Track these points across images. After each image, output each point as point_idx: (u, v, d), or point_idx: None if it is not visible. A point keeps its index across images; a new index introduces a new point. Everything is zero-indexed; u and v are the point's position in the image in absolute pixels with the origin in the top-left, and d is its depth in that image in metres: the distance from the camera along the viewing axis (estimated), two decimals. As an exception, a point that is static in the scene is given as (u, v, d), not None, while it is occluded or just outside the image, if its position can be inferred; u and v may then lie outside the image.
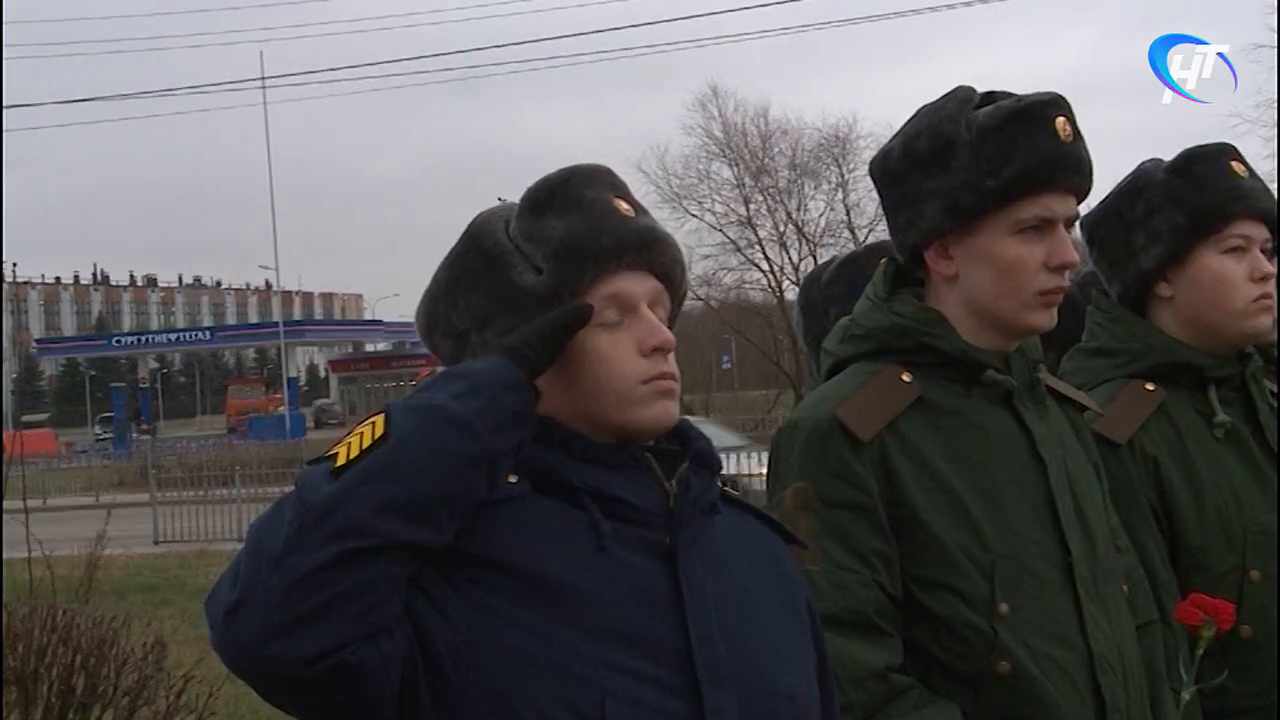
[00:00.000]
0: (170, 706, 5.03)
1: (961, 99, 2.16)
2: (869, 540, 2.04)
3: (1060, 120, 2.10)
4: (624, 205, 1.73)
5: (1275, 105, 24.93)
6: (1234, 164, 2.49)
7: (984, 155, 2.09)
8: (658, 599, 1.63)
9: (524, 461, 1.64)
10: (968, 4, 45.86)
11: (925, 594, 2.04)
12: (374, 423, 1.56)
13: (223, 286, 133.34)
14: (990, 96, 2.16)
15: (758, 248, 37.42)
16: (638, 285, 1.71)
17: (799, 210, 37.20)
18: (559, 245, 1.69)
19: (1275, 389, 2.58)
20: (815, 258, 34.19)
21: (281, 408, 57.87)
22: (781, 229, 37.35)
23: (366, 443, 1.54)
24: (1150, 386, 2.48)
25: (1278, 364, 2.77)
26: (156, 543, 18.74)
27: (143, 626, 5.41)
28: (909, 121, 2.20)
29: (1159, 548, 2.38)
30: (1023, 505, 2.09)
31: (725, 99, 38.19)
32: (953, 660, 2.03)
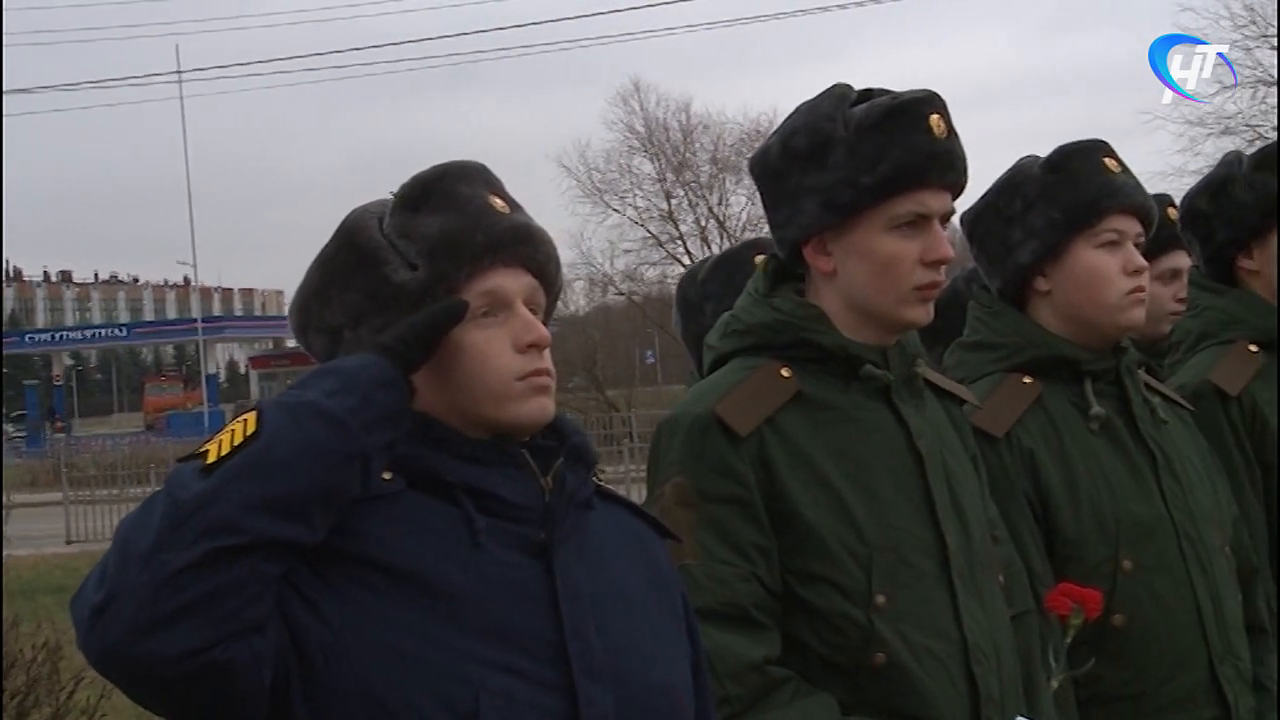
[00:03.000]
0: (60, 708, 4.94)
1: (838, 96, 2.19)
2: (747, 534, 2.06)
3: (935, 117, 2.13)
4: (499, 202, 1.74)
5: (1184, 103, 25.36)
6: (1107, 160, 2.53)
7: (860, 152, 2.12)
8: (532, 595, 1.64)
9: (399, 458, 1.64)
10: (894, -1, 46.13)
11: (803, 587, 2.06)
12: (245, 420, 1.56)
13: (140, 283, 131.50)
14: (867, 94, 2.19)
15: (680, 242, 37.44)
16: (513, 282, 1.72)
17: (721, 205, 37.28)
18: (434, 242, 1.69)
19: (1148, 382, 2.62)
20: (737, 252, 34.11)
21: (201, 405, 57.14)
22: (703, 224, 37.40)
23: (238, 440, 1.53)
24: (1028, 380, 2.51)
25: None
26: (69, 542, 18.48)
27: (32, 629, 5.30)
28: (788, 119, 2.22)
29: (1035, 538, 2.41)
30: (900, 498, 2.12)
31: (647, 94, 38.18)
32: (830, 652, 2.05)
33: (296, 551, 1.53)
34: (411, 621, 1.58)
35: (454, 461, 1.67)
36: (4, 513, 5.16)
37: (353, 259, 1.72)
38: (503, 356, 1.70)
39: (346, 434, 1.55)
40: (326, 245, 1.77)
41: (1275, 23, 25.35)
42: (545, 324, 1.75)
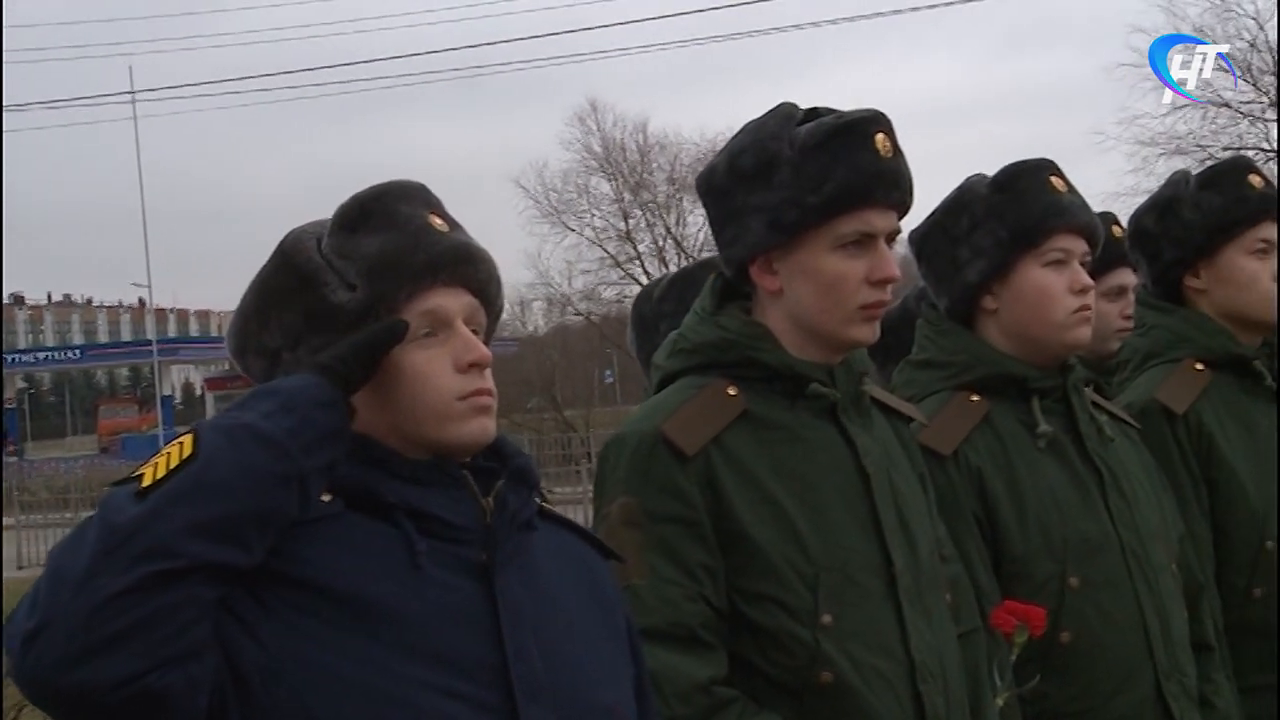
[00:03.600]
0: (0, 740, 4.85)
1: (784, 115, 2.19)
2: (694, 554, 2.06)
3: (880, 136, 2.14)
4: (438, 221, 1.73)
5: (1136, 123, 25.63)
6: (1053, 179, 2.54)
7: (806, 171, 2.11)
8: (474, 617, 1.63)
9: (338, 479, 1.63)
10: (850, 20, 46.33)
11: (750, 606, 2.06)
12: (182, 443, 1.55)
13: (94, 304, 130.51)
14: (813, 113, 2.19)
15: (637, 262, 37.56)
16: (453, 301, 1.71)
17: (678, 225, 37.42)
18: (373, 262, 1.68)
19: (1095, 400, 2.63)
20: (694, 272, 34.18)
21: (156, 427, 56.66)
22: (661, 243, 37.55)
23: (174, 463, 1.52)
24: (975, 398, 2.52)
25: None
26: (20, 567, 18.31)
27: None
28: (734, 138, 2.22)
29: (982, 556, 2.42)
30: (847, 517, 2.12)
31: (604, 114, 38.32)
32: (777, 672, 2.05)
33: (234, 575, 1.51)
34: (350, 645, 1.56)
35: (394, 483, 1.66)
36: None
37: (291, 280, 1.71)
38: (444, 376, 1.69)
39: (284, 455, 1.53)
40: (264, 266, 1.75)
41: (1226, 42, 25.64)
42: (487, 343, 1.74)
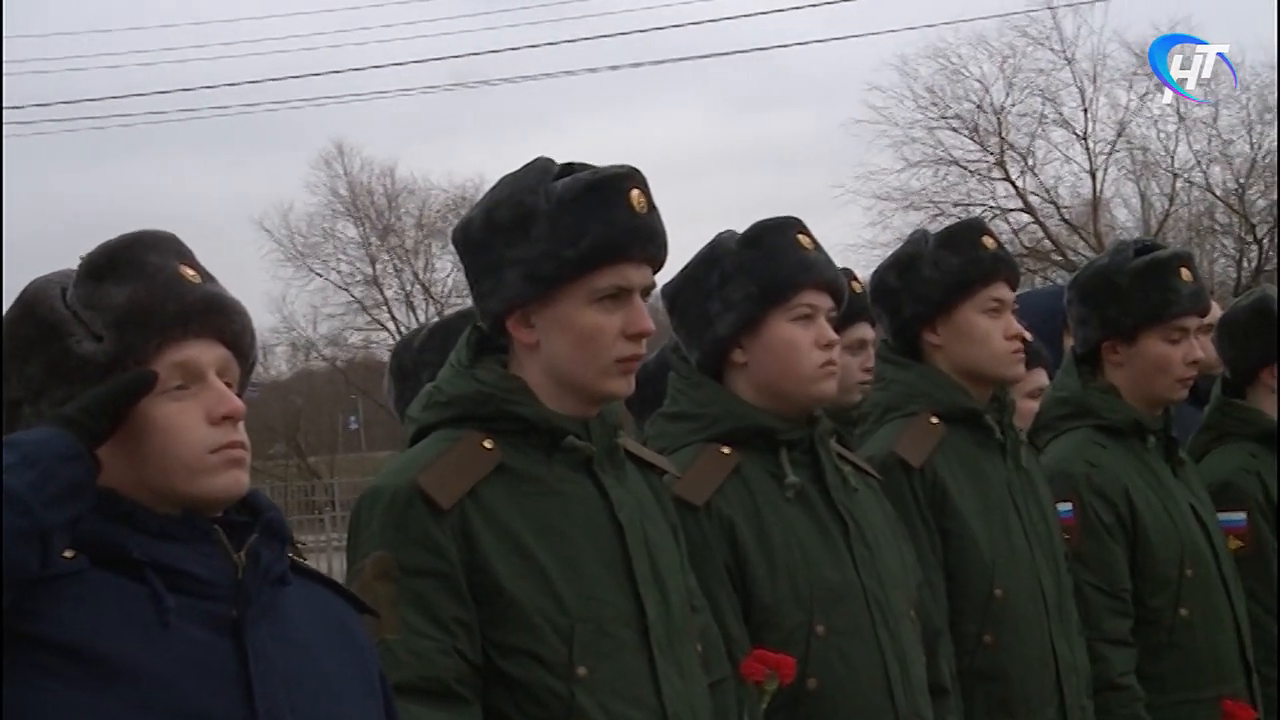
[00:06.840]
0: None
1: (541, 170, 2.21)
2: (449, 608, 2.05)
3: (635, 193, 2.18)
4: (190, 272, 1.71)
5: (876, 178, 26.65)
6: (801, 236, 2.63)
7: (562, 225, 2.14)
8: (224, 674, 1.61)
9: (82, 535, 1.58)
10: (612, 68, 46.61)
11: (504, 659, 2.06)
12: None
13: None
14: (569, 168, 2.22)
15: (385, 308, 37.16)
16: (205, 353, 1.68)
17: (426, 270, 37.15)
18: (121, 312, 1.65)
19: (840, 451, 2.72)
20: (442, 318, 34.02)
21: None
22: (408, 289, 37.21)
23: None
24: (726, 450, 2.57)
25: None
26: None
27: None
28: (491, 191, 2.24)
29: (733, 605, 2.46)
30: (601, 569, 2.14)
31: (351, 157, 37.82)
32: None
33: None
34: (95, 705, 1.52)
35: (142, 538, 1.62)
36: None
37: (33, 330, 1.67)
38: (195, 429, 1.66)
39: (25, 511, 1.48)
40: (4, 316, 1.70)
41: (950, 107, 26.85)
42: (239, 396, 1.72)
